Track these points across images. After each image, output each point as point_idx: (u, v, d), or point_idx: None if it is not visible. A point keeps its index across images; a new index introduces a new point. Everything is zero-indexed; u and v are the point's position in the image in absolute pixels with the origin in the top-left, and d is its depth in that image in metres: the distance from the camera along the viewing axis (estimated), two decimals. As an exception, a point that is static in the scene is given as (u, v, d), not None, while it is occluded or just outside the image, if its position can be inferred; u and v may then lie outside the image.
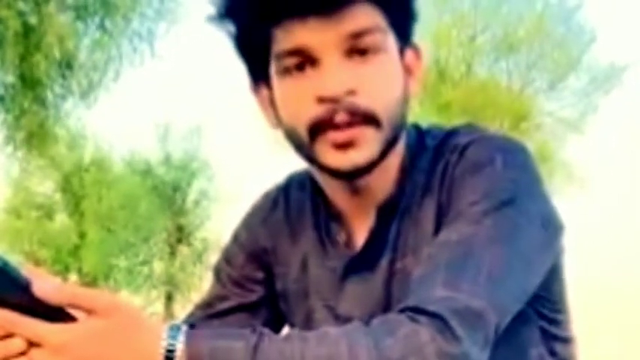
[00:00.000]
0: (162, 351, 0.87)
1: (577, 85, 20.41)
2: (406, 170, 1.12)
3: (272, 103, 1.11)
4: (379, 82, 1.06)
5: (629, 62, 20.09)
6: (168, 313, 22.68)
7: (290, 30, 1.04)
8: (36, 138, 11.82)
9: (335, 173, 1.08)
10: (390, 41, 1.08)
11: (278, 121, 1.11)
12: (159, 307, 23.26)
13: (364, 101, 1.04)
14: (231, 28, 1.10)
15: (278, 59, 1.06)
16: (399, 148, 1.12)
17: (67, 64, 11.69)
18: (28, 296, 0.86)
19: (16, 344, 0.86)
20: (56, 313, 0.87)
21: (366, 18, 1.05)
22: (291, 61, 1.05)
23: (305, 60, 1.05)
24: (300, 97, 1.05)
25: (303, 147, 1.08)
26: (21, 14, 10.95)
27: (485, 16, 20.41)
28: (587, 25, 20.86)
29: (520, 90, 20.73)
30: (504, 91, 20.41)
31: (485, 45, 20.67)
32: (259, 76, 1.12)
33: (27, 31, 10.99)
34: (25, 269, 0.88)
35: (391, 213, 1.11)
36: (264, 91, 1.12)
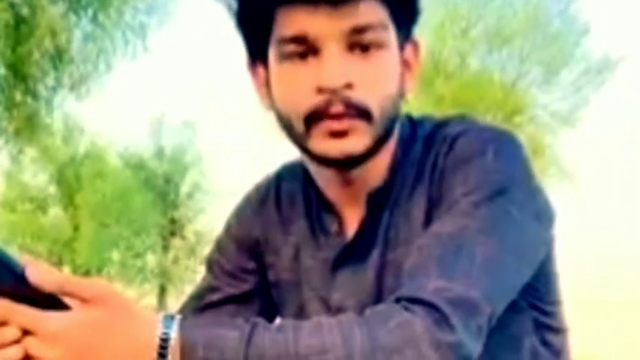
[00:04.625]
0: (157, 340, 0.87)
1: (570, 78, 20.39)
2: (397, 161, 1.12)
3: (267, 83, 1.11)
4: (376, 79, 1.06)
5: (623, 55, 20.06)
6: (162, 305, 22.67)
7: (296, 16, 1.04)
8: (26, 130, 11.78)
9: (327, 161, 1.08)
10: (392, 37, 1.08)
11: (271, 102, 1.11)
12: (152, 299, 23.25)
13: (360, 96, 1.04)
14: (233, 2, 1.09)
15: (279, 44, 1.06)
16: (392, 140, 1.12)
17: (59, 57, 11.65)
18: (23, 284, 0.85)
19: (10, 332, 0.86)
20: (51, 302, 0.87)
21: (372, 14, 1.05)
22: (292, 48, 1.05)
23: (307, 49, 1.05)
24: (298, 84, 1.05)
25: (297, 134, 1.08)
26: (13, 6, 10.91)
27: (478, 8, 20.37)
28: (581, 17, 20.80)
29: (513, 83, 20.71)
30: (498, 84, 20.38)
31: (478, 37, 20.63)
32: (257, 55, 1.12)
33: (19, 22, 10.94)
34: (23, 260, 0.88)
35: (382, 204, 1.12)
36: (261, 71, 1.12)
